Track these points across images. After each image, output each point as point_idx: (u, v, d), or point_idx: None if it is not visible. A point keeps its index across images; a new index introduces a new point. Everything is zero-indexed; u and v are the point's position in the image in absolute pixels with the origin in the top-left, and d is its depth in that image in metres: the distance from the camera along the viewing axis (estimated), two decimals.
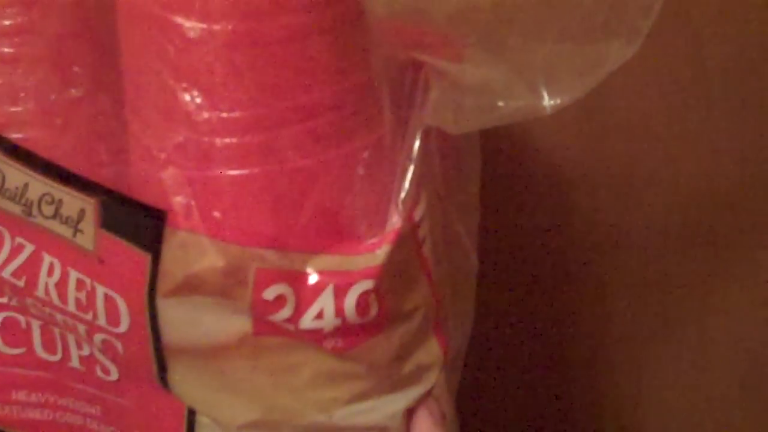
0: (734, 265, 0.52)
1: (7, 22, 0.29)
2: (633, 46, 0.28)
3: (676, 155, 0.50)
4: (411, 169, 0.29)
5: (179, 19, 0.26)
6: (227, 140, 0.27)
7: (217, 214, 0.27)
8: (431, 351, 0.31)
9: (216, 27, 0.26)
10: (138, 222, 0.28)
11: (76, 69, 0.29)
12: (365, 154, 0.29)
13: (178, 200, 0.27)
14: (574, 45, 0.29)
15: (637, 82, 0.48)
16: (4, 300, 0.32)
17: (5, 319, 0.32)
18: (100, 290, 0.29)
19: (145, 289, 0.28)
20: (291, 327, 0.28)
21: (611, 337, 0.53)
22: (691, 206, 0.51)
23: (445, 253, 0.32)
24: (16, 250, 0.30)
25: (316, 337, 0.28)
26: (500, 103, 0.29)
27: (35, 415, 0.33)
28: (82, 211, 0.29)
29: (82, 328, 0.30)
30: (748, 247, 0.52)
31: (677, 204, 0.51)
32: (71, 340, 0.32)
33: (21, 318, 0.32)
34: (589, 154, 0.50)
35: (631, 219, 0.51)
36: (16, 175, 0.30)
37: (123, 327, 0.29)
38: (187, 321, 0.28)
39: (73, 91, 0.29)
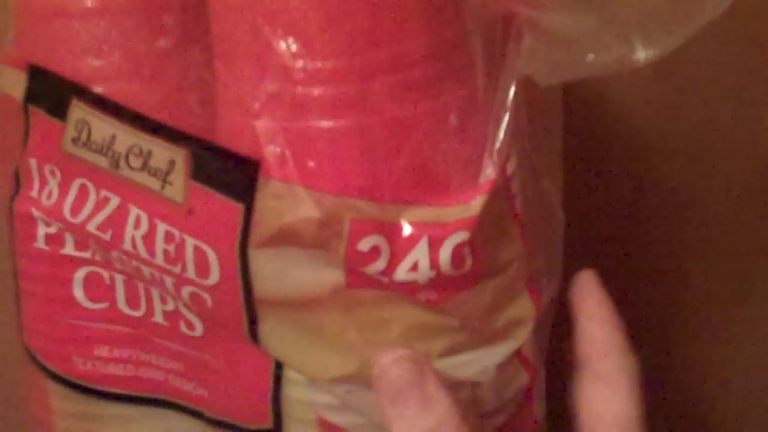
0: None
1: None
2: None
3: (754, 116, 0.48)
4: (506, 118, 0.28)
5: None
6: (322, 90, 0.27)
7: (311, 164, 0.27)
8: (524, 306, 0.30)
9: None
10: (230, 172, 0.28)
11: (165, 19, 0.29)
12: (458, 106, 0.28)
13: (272, 150, 0.27)
14: None
15: (713, 38, 0.47)
16: (88, 255, 0.32)
17: (89, 274, 0.32)
18: (190, 242, 0.29)
19: (237, 241, 0.28)
20: (385, 279, 0.28)
21: (687, 301, 0.52)
22: None
23: (534, 209, 0.32)
24: (101, 204, 0.30)
25: (410, 289, 0.28)
26: (591, 56, 0.29)
27: (117, 370, 0.33)
28: (172, 162, 0.29)
29: (169, 281, 0.30)
30: None
31: (755, 167, 0.49)
32: (155, 295, 0.32)
33: (105, 273, 0.32)
34: (664, 117, 0.48)
35: (708, 183, 0.50)
36: (103, 127, 0.30)
37: (213, 279, 0.29)
38: (279, 273, 0.28)
39: (162, 41, 0.29)
